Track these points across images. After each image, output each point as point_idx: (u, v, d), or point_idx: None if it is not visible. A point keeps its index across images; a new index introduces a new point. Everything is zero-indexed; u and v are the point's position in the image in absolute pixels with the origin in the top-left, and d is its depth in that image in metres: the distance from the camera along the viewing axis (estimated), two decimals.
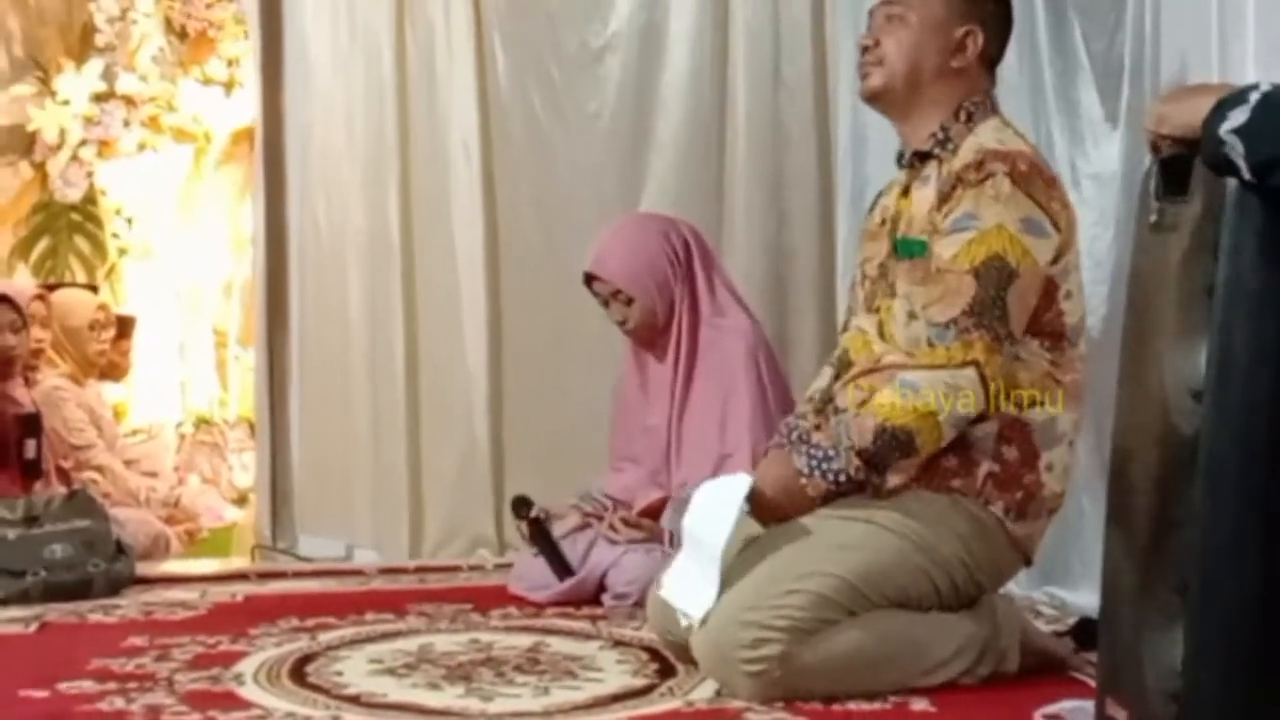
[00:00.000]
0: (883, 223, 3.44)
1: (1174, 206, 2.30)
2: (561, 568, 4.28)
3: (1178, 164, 2.28)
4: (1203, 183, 2.20)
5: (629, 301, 4.33)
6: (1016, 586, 3.62)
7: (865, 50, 3.40)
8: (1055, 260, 3.18)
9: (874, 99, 3.43)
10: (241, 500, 6.15)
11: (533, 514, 4.37)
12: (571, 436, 5.08)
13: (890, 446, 3.12)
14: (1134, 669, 2.26)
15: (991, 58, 3.41)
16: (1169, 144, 2.32)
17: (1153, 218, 2.36)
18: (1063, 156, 4.02)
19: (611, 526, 4.31)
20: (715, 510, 3.17)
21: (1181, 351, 2.21)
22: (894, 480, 3.15)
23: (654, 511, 4.26)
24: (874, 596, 3.10)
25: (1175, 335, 2.23)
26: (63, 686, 3.27)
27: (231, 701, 3.15)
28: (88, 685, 3.29)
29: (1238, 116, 2.12)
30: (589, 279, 4.42)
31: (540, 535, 4.34)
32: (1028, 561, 3.31)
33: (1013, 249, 3.12)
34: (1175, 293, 2.25)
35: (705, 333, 4.33)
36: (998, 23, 3.42)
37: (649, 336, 4.39)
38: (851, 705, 3.03)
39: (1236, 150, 2.11)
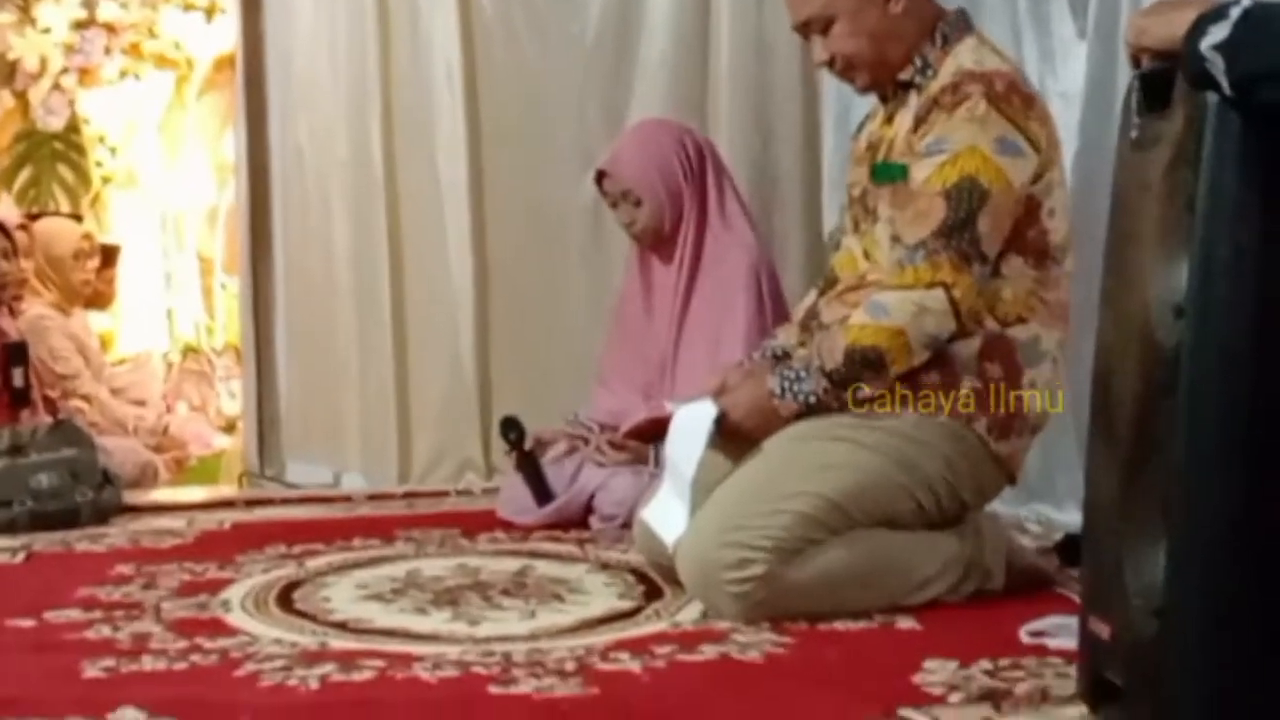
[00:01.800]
0: (868, 148, 3.42)
1: (1155, 122, 2.28)
2: (542, 494, 4.28)
3: (1158, 79, 2.26)
4: (1183, 97, 2.19)
5: (638, 203, 4.32)
6: (1002, 505, 3.62)
7: (828, 66, 3.39)
8: (1036, 179, 3.16)
9: (868, 90, 3.42)
10: (230, 428, 6.15)
11: (520, 439, 4.37)
12: (558, 359, 5.07)
13: (859, 367, 3.12)
14: (1116, 585, 2.26)
15: None
16: (1149, 58, 2.30)
17: (1134, 134, 2.34)
18: (1034, 74, 4.00)
19: (598, 449, 4.31)
20: (687, 435, 3.18)
21: (1163, 267, 2.19)
22: (865, 394, 3.14)
23: (641, 432, 4.26)
24: (858, 515, 3.10)
25: (1156, 250, 2.22)
26: (49, 615, 3.28)
27: (218, 628, 3.15)
28: (75, 614, 3.29)
29: (1218, 32, 2.10)
30: (599, 177, 4.40)
31: (526, 460, 4.34)
32: (1012, 480, 3.31)
33: (986, 170, 3.10)
34: (1156, 208, 2.23)
35: (710, 244, 4.33)
36: None
37: (655, 242, 4.38)
38: (837, 624, 3.04)
39: (1217, 66, 2.09)
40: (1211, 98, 2.13)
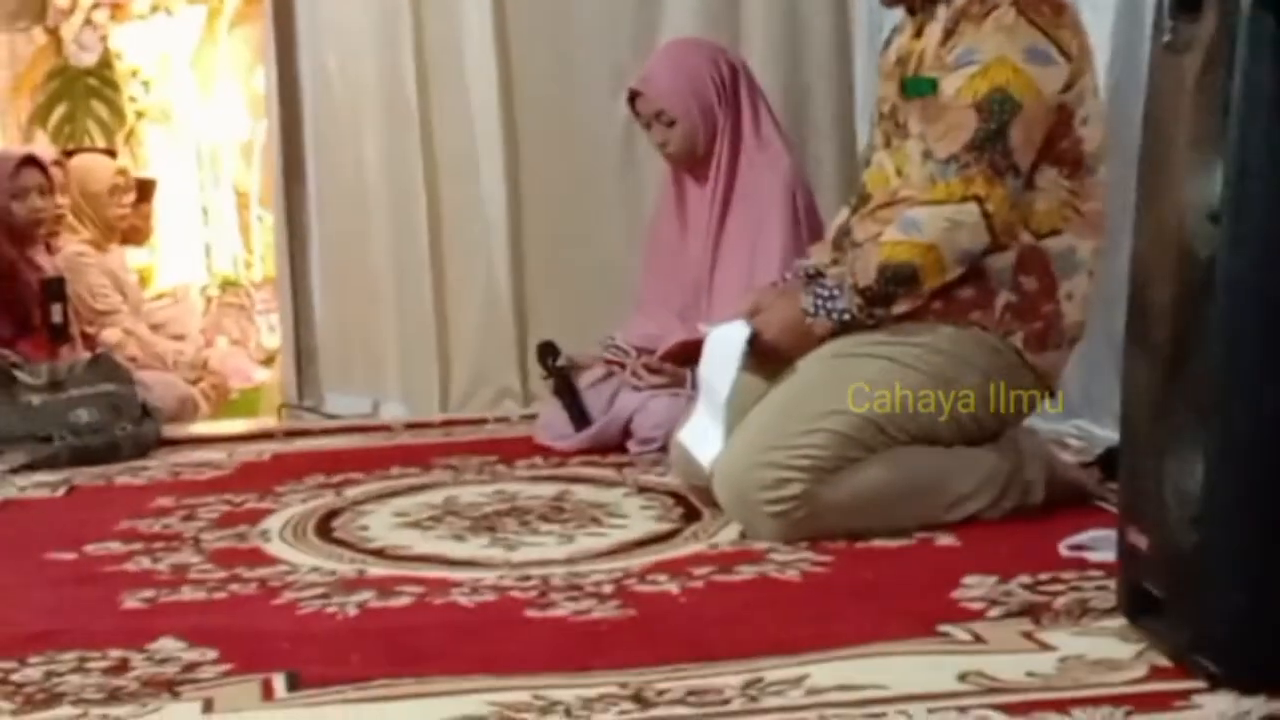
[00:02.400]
0: (897, 62, 3.38)
1: (1187, 25, 2.24)
2: (580, 417, 4.28)
3: None
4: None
5: (671, 123, 4.29)
6: (1042, 420, 3.59)
7: None
8: (1068, 88, 3.12)
9: (895, 3, 3.37)
10: (270, 361, 6.16)
11: (558, 363, 4.37)
12: (594, 285, 5.05)
13: (893, 283, 3.09)
14: (1155, 495, 2.24)
15: None
16: None
17: (1166, 37, 2.31)
18: None
19: (634, 373, 4.30)
20: (721, 357, 3.17)
21: (1197, 172, 2.16)
22: (899, 310, 3.12)
23: (676, 355, 4.24)
24: (895, 433, 3.09)
25: (1191, 155, 2.18)
26: (90, 548, 3.31)
27: (257, 558, 3.17)
28: (115, 546, 3.32)
29: None
30: (632, 98, 4.38)
31: (563, 383, 4.33)
32: (1051, 392, 3.29)
33: (1016, 80, 3.06)
34: (1190, 112, 2.20)
35: (745, 164, 4.30)
36: None
37: (688, 163, 4.36)
38: (876, 542, 3.04)
39: None
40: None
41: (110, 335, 5.50)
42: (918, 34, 3.33)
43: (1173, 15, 2.30)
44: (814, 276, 3.36)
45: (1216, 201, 2.13)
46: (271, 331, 6.21)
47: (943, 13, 3.25)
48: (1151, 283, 2.33)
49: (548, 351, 4.40)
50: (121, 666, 2.42)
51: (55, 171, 5.42)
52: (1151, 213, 2.36)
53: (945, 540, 3.05)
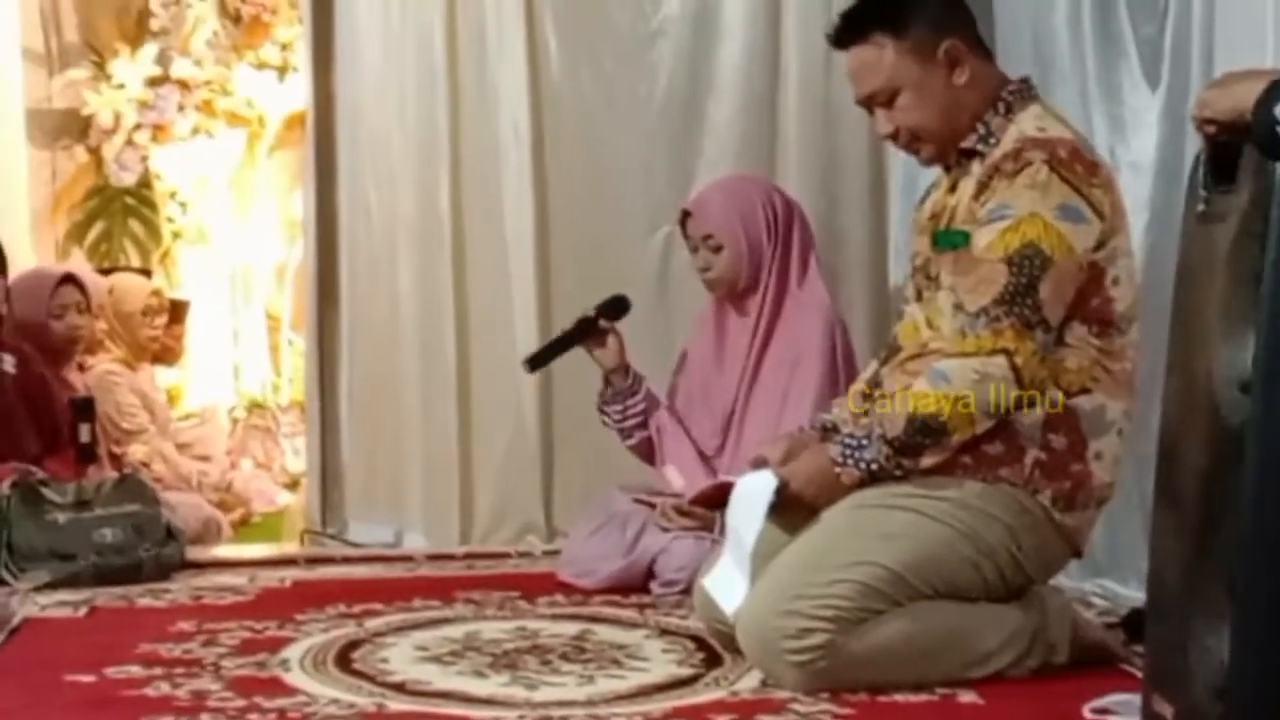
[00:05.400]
0: (931, 217, 3.41)
1: (1222, 196, 2.26)
2: (543, 354, 4.44)
3: (1225, 153, 2.24)
4: (1250, 172, 2.17)
5: (717, 249, 4.34)
6: (1067, 578, 3.58)
7: (892, 140, 3.40)
8: (1100, 246, 3.14)
9: (932, 163, 3.42)
10: (294, 485, 6.16)
11: (598, 314, 4.43)
12: None
13: (921, 434, 3.09)
14: (1181, 664, 2.23)
15: (974, 42, 3.36)
16: (1214, 129, 2.29)
17: (1200, 207, 2.33)
18: (1104, 144, 3.97)
19: (664, 514, 4.29)
20: (749, 506, 3.18)
21: (1229, 343, 2.18)
22: (927, 462, 3.12)
23: (708, 499, 4.23)
24: (920, 586, 3.08)
25: (1222, 326, 2.20)
26: (110, 671, 3.30)
27: (277, 688, 3.16)
28: (135, 670, 3.31)
29: None
30: (684, 218, 4.43)
31: (584, 325, 4.41)
32: (1077, 553, 3.28)
33: (1048, 236, 3.09)
34: (1223, 283, 2.22)
35: (790, 303, 4.35)
36: (950, 11, 3.36)
37: (727, 294, 4.40)
38: (898, 696, 3.02)
39: None
40: (1278, 170, 2.11)
41: (136, 452, 5.52)
42: (952, 189, 3.36)
43: (1207, 186, 2.32)
44: (830, 430, 3.37)
45: (1247, 371, 2.14)
46: (296, 455, 6.21)
47: (976, 168, 3.28)
48: (1181, 447, 2.35)
49: (617, 306, 4.45)
50: None
51: (97, 291, 5.46)
52: (1181, 378, 2.37)
53: (968, 697, 3.03)
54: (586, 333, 4.43)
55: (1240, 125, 2.18)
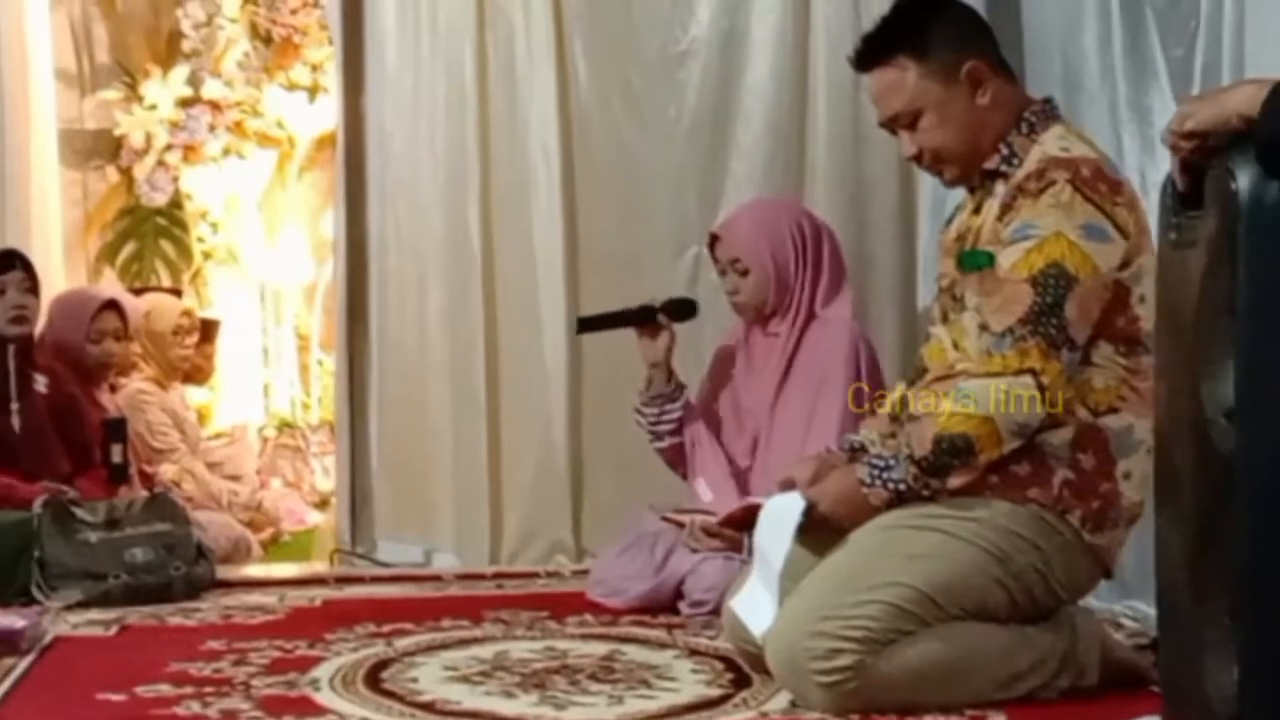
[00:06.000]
0: (957, 238, 3.41)
1: (1191, 221, 2.25)
2: (597, 321, 4.52)
3: (1195, 175, 2.23)
4: (1216, 196, 2.16)
5: (744, 273, 4.35)
6: (1097, 599, 3.58)
7: (916, 161, 3.40)
8: (1125, 265, 3.14)
9: (956, 184, 3.44)
10: (323, 503, 6.17)
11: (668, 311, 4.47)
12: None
13: (949, 454, 3.09)
14: (1194, 683, 2.23)
15: (997, 63, 3.36)
16: (1191, 145, 2.27)
17: (1172, 235, 2.32)
18: (1134, 165, 3.97)
19: (693, 534, 4.29)
20: (777, 527, 3.18)
21: (1211, 372, 2.17)
22: (955, 482, 3.12)
23: (738, 520, 4.23)
24: (949, 607, 3.07)
25: (1203, 355, 2.19)
26: (140, 690, 3.31)
27: (307, 707, 3.17)
28: (165, 689, 3.32)
29: None
30: (712, 241, 4.45)
31: (643, 311, 4.44)
32: (1108, 573, 3.28)
33: (1072, 256, 3.09)
34: (1200, 312, 2.21)
35: (817, 324, 4.35)
36: (972, 32, 3.38)
37: (754, 317, 4.42)
38: (926, 717, 3.02)
39: None
40: (1243, 195, 2.10)
41: (167, 471, 5.54)
42: (976, 210, 3.37)
43: (1175, 212, 2.31)
44: (857, 450, 3.37)
45: (1230, 400, 2.13)
46: (326, 474, 6.22)
47: (1000, 189, 3.28)
48: (1174, 452, 2.34)
49: (682, 307, 4.48)
50: None
51: (133, 314, 5.49)
52: (1169, 392, 2.37)
53: (997, 718, 3.02)
54: (644, 319, 4.45)
55: (1226, 133, 2.16)
